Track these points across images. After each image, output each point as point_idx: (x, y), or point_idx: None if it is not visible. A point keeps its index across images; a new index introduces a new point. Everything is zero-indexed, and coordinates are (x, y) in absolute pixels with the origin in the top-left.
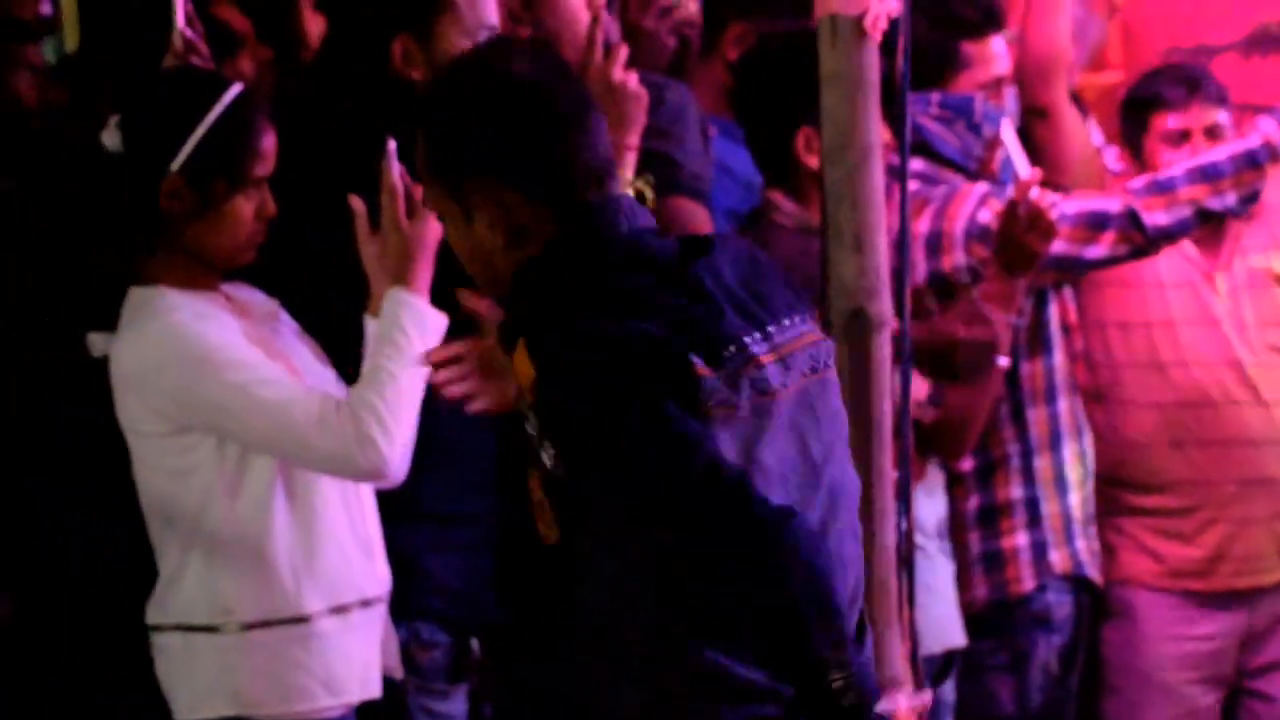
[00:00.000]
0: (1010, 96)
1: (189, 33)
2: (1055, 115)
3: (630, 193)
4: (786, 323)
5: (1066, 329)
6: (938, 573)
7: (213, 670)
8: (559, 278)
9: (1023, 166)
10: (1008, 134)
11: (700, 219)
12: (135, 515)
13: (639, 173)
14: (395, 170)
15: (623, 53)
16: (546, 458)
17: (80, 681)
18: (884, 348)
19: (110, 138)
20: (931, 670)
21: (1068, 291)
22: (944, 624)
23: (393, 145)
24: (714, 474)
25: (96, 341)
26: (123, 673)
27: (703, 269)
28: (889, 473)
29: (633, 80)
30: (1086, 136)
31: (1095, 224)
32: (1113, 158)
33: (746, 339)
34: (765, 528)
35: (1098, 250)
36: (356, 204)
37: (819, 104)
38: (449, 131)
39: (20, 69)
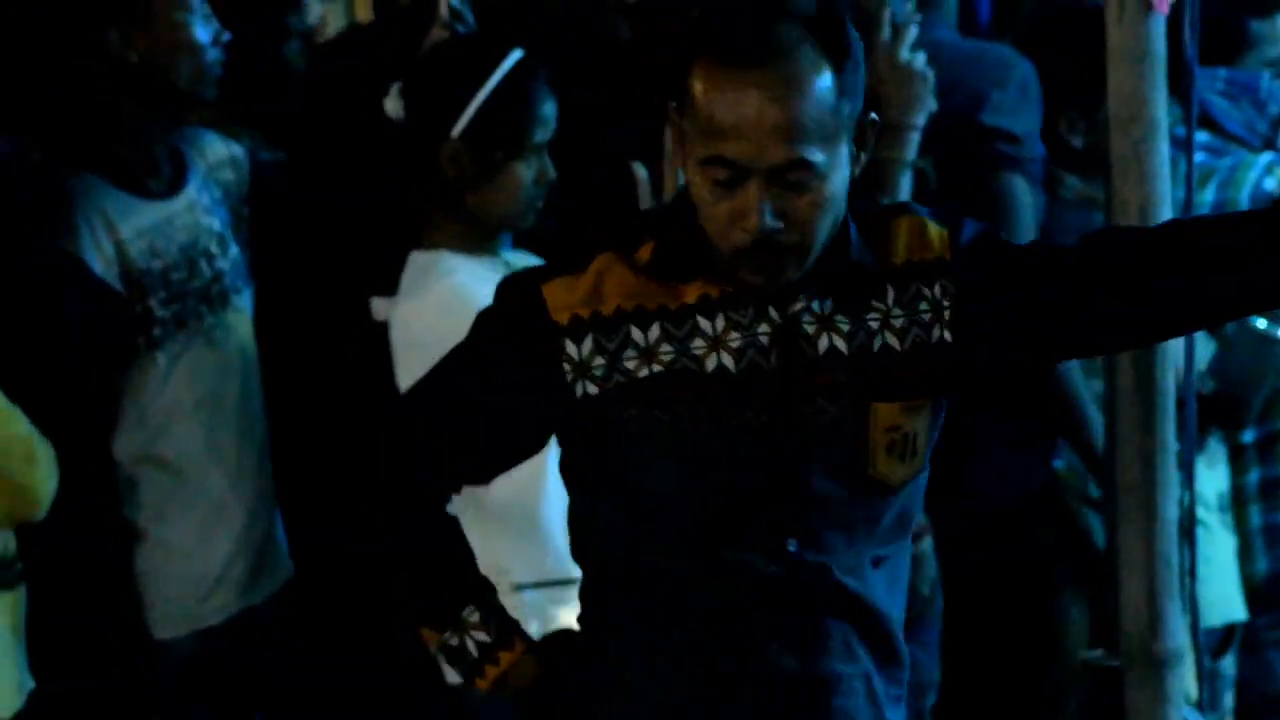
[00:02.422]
0: None
1: (454, 1)
2: None
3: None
4: None
5: None
6: (1219, 546)
7: None
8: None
9: None
10: None
11: (1025, 197)
12: None
13: (923, 154)
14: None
15: (911, 33)
16: None
17: (351, 645)
18: None
19: (393, 105)
20: (1212, 644)
21: None
22: (1225, 597)
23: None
24: None
25: (379, 306)
26: (388, 638)
27: None
28: (1171, 445)
29: (919, 60)
30: None
31: None
32: None
33: None
34: None
35: None
36: (639, 171)
37: (1080, 85)
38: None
39: (290, 39)
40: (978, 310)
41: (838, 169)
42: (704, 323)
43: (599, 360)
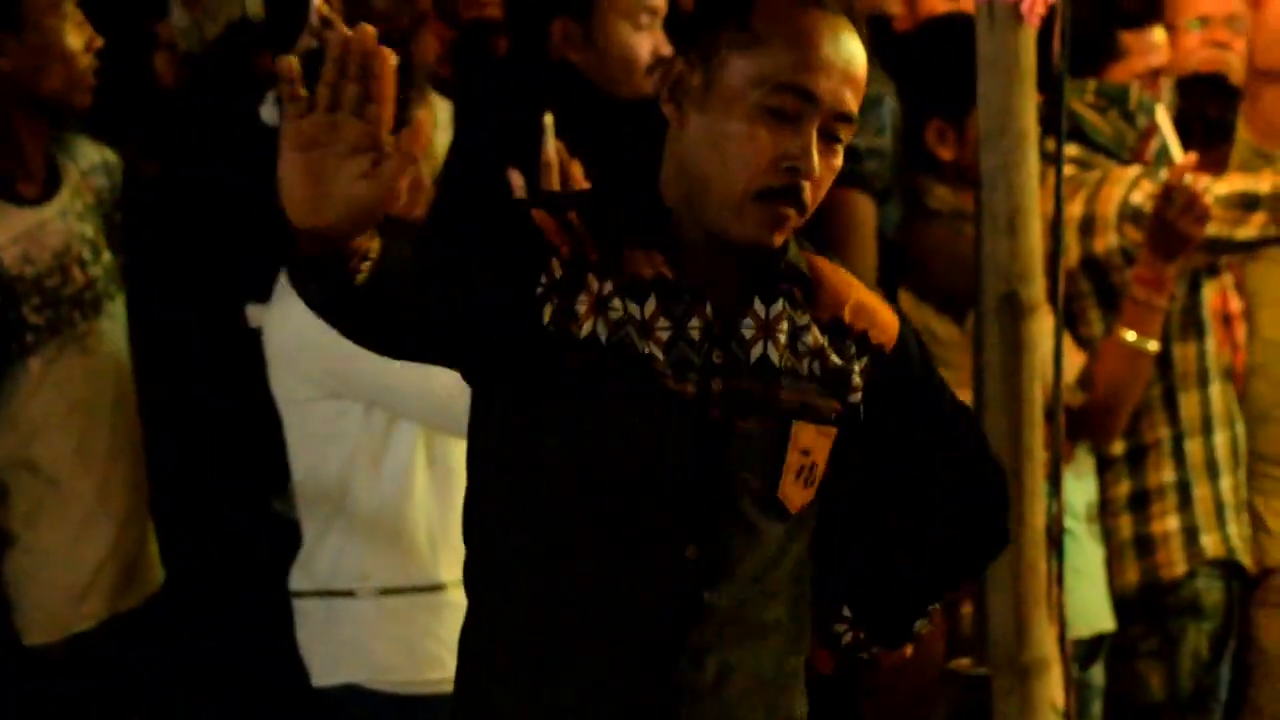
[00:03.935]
0: (1165, 86)
1: (325, 9)
2: None
3: None
4: None
5: (1226, 318)
6: (1087, 556)
7: (348, 635)
8: None
9: (1177, 152)
10: (1163, 120)
11: (864, 211)
12: (281, 484)
13: None
14: (552, 145)
15: None
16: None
17: (223, 650)
18: (1036, 330)
19: (269, 112)
20: (1080, 654)
21: (1226, 279)
22: (1093, 607)
23: (549, 120)
24: None
25: (253, 313)
26: (261, 642)
27: None
28: (1039, 455)
29: None
30: None
31: (1245, 204)
32: None
33: None
34: None
35: (1248, 231)
36: (515, 178)
37: (950, 95)
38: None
39: (159, 49)
40: (879, 405)
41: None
42: (633, 305)
43: (566, 295)
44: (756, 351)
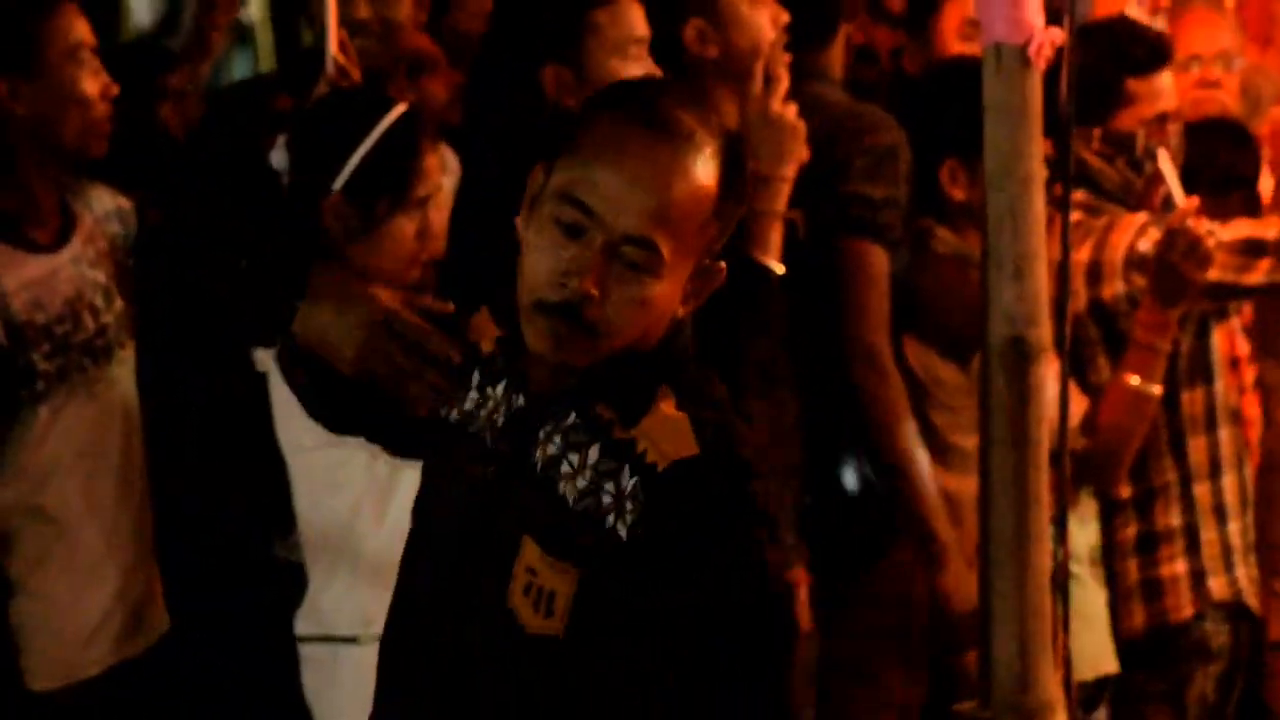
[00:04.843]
0: (1174, 132)
1: (342, 59)
2: None
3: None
4: None
5: (1234, 361)
6: (1090, 599)
7: (351, 681)
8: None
9: (1179, 196)
10: (1165, 165)
11: (879, 263)
12: (285, 529)
13: (792, 206)
14: None
15: (782, 85)
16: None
17: (228, 697)
18: (1042, 375)
19: (278, 157)
20: (1084, 697)
21: (1235, 323)
22: (1096, 650)
23: None
24: None
25: (261, 358)
26: (267, 687)
27: None
28: (1045, 499)
29: (791, 112)
30: None
31: (1252, 251)
32: None
33: None
34: None
35: (1255, 277)
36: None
37: (965, 136)
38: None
39: (165, 99)
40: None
41: (669, 281)
42: (492, 389)
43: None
44: (537, 458)
